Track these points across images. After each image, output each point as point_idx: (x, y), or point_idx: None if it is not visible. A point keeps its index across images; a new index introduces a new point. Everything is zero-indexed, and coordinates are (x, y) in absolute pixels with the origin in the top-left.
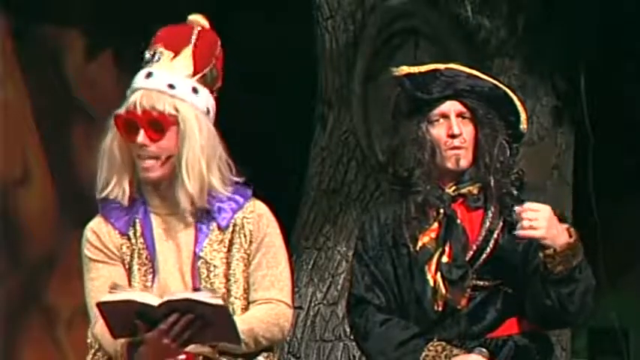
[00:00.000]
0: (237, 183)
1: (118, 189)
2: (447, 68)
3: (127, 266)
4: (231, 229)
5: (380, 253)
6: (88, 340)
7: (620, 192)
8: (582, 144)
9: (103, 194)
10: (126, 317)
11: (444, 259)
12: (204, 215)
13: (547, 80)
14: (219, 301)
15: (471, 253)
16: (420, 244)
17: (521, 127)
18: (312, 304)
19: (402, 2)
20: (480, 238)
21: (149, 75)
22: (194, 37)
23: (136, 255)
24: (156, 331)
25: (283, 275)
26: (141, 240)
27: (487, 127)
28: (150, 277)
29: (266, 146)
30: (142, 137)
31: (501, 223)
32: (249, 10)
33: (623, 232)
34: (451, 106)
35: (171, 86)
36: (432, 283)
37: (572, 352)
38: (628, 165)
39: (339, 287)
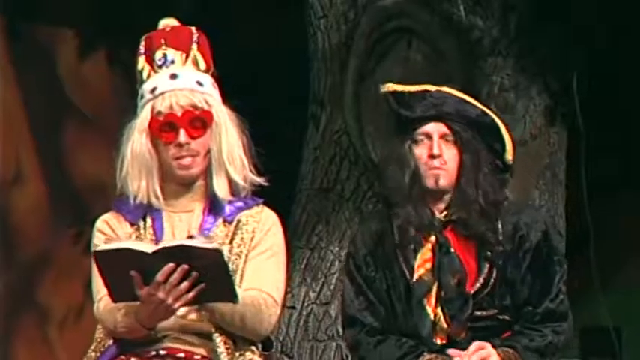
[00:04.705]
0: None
1: (150, 192)
2: (437, 90)
3: None
4: (234, 224)
5: (373, 272)
6: (95, 335)
7: (612, 191)
8: (575, 143)
9: (137, 200)
10: (123, 272)
11: (443, 292)
12: (212, 212)
13: (540, 80)
14: (215, 245)
15: (478, 285)
16: (416, 275)
17: (506, 156)
18: (305, 304)
19: (395, 2)
20: (486, 269)
21: (174, 76)
22: (196, 36)
23: None
24: (151, 285)
25: (277, 275)
26: (150, 231)
27: (471, 152)
28: None
29: (259, 146)
30: (183, 137)
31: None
32: (241, 10)
33: (615, 231)
34: (435, 128)
35: (199, 83)
36: (432, 316)
37: (563, 351)
38: (621, 164)
39: (332, 287)
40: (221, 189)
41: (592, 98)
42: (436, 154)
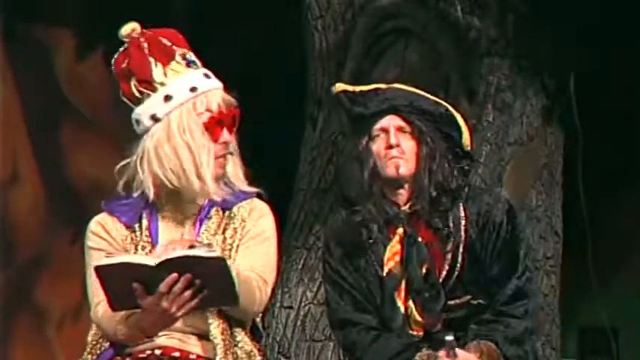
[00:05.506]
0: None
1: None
2: (388, 87)
3: None
4: (227, 214)
5: (351, 272)
6: (88, 338)
7: (609, 191)
8: (572, 144)
9: (152, 196)
10: (124, 284)
11: (412, 284)
12: (208, 205)
13: (537, 80)
14: (216, 254)
15: (444, 272)
16: (386, 269)
17: (464, 143)
18: (303, 304)
19: (392, 2)
20: (449, 256)
21: (207, 76)
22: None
23: (140, 248)
24: (155, 295)
25: (268, 259)
26: (146, 233)
27: (426, 142)
28: None
29: (256, 147)
30: (227, 135)
31: (464, 237)
32: (239, 10)
33: (612, 231)
34: (390, 121)
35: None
36: (403, 310)
37: (561, 351)
38: (618, 164)
39: None
40: (234, 174)
41: (589, 98)
42: (394, 144)
